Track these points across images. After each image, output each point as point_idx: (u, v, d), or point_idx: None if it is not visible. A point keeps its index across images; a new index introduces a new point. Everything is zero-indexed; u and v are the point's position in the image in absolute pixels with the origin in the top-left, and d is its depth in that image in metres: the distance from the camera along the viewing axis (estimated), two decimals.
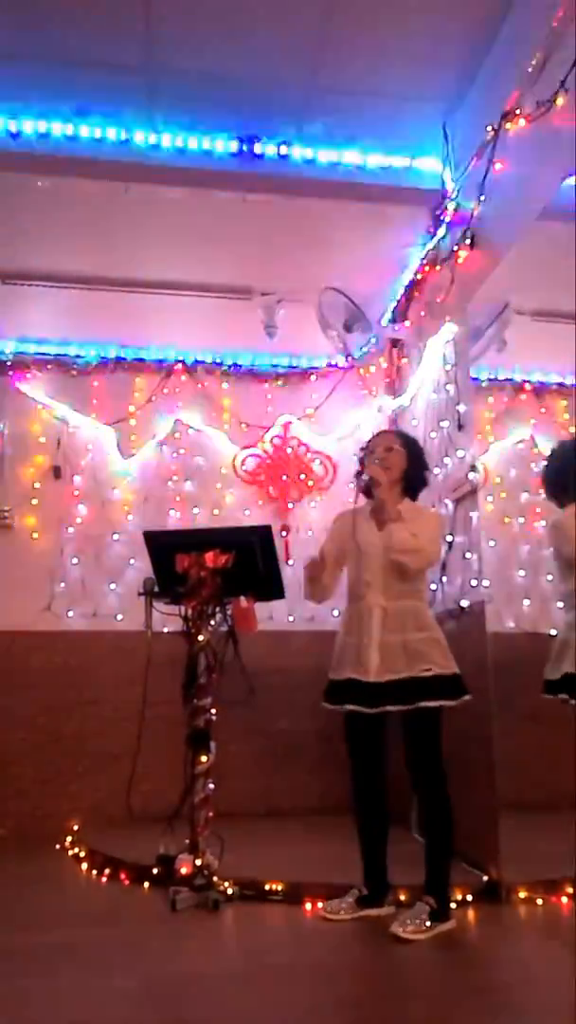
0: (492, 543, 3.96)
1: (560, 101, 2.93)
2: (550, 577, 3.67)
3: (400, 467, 2.99)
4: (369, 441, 3.14)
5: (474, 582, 3.63)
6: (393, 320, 4.92)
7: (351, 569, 3.00)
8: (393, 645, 2.82)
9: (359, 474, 3.01)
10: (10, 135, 3.94)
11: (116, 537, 4.92)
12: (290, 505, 5.11)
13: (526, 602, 4.50)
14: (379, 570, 2.90)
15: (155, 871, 3.24)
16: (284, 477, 5.15)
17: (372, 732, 2.91)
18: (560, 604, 3.22)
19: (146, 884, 3.27)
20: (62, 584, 4.82)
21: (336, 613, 3.30)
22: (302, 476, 5.16)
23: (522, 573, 4.60)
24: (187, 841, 3.13)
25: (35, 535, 4.87)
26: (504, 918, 2.90)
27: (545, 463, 3.52)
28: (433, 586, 4.00)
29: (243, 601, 3.22)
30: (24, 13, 3.45)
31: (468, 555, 3.74)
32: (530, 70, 3.17)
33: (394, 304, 4.89)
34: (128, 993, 2.22)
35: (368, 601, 2.90)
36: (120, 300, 4.77)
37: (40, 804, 4.46)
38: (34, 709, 4.59)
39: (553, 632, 3.32)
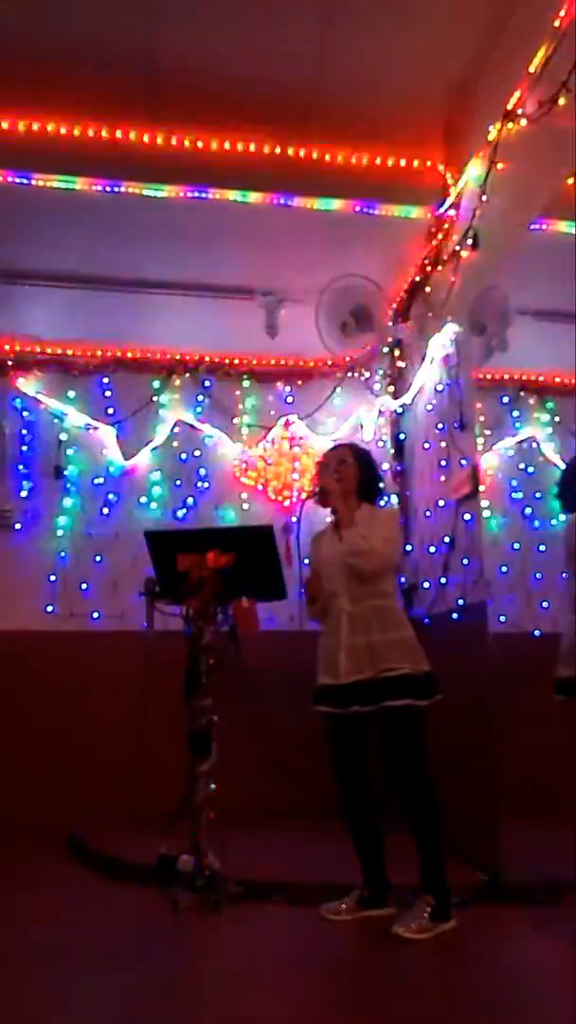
0: (492, 543, 3.96)
1: (562, 101, 2.93)
2: (546, 576, 3.67)
3: (353, 478, 3.10)
4: (325, 455, 3.28)
5: (474, 582, 3.63)
6: (395, 320, 4.92)
7: (324, 581, 3.05)
8: (359, 647, 2.88)
9: (314, 485, 3.14)
10: (7, 133, 3.94)
11: (117, 537, 4.92)
12: (290, 505, 5.10)
13: (527, 603, 4.49)
14: (341, 577, 2.98)
15: (157, 872, 3.23)
16: (285, 477, 5.14)
17: (352, 735, 2.97)
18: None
19: (148, 885, 3.26)
20: (63, 584, 4.82)
21: None
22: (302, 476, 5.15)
23: (523, 574, 4.59)
24: (189, 839, 3.12)
25: (35, 535, 4.87)
26: (505, 919, 2.90)
27: (564, 470, 3.59)
28: (433, 587, 4.00)
29: (244, 602, 3.22)
30: (23, 10, 3.45)
31: (468, 556, 3.74)
32: (532, 70, 3.17)
33: (396, 304, 4.89)
34: (129, 993, 2.22)
35: (335, 610, 2.97)
36: (121, 300, 4.77)
37: (41, 804, 4.45)
38: (35, 709, 4.59)
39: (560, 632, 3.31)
